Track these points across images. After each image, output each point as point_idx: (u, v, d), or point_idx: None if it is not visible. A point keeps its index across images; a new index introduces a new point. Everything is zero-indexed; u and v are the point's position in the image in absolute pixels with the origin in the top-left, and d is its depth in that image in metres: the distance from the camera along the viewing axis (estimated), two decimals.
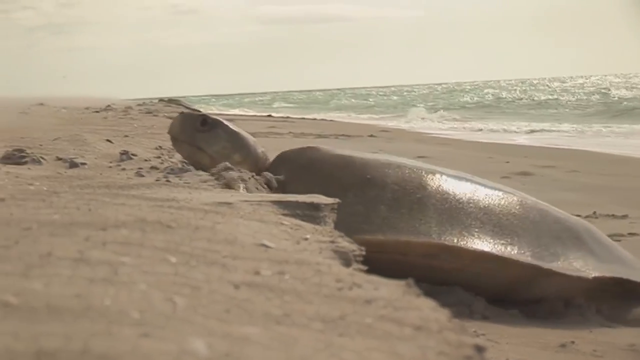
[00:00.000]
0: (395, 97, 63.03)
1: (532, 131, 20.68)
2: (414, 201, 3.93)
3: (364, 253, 2.16)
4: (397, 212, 3.88)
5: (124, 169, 4.33)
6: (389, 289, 1.59)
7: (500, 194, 4.20)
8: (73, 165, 4.38)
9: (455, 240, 3.84)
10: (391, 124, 26.53)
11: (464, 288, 3.79)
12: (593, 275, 3.93)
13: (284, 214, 2.63)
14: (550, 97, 44.74)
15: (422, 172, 4.12)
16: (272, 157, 4.43)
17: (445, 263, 3.83)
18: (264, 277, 1.61)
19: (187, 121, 4.44)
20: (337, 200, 2.98)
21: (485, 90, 63.08)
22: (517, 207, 4.15)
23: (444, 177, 4.14)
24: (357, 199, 3.91)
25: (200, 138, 4.33)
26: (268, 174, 4.08)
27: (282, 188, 3.99)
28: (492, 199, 4.11)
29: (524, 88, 63.61)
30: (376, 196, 3.93)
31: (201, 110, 21.75)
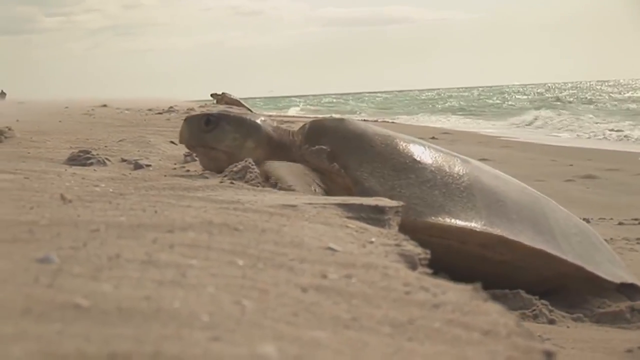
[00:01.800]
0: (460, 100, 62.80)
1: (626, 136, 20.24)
2: (462, 189, 3.95)
3: (429, 256, 2.14)
4: (450, 199, 3.88)
5: (188, 171, 4.36)
6: (456, 293, 1.58)
7: (532, 193, 4.32)
8: (138, 166, 4.42)
9: (512, 235, 3.86)
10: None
11: (503, 279, 3.81)
12: (620, 281, 4.07)
13: (348, 217, 2.62)
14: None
15: (456, 159, 4.16)
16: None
17: (498, 255, 3.86)
18: (332, 280, 1.60)
19: (192, 125, 4.39)
20: (402, 203, 2.97)
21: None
22: (550, 210, 4.26)
23: (475, 164, 4.22)
24: (412, 182, 3.90)
25: (209, 138, 4.30)
26: (314, 149, 4.06)
27: (331, 158, 3.98)
28: (526, 197, 4.21)
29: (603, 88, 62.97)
30: (429, 180, 3.92)
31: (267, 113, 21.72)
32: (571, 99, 47.97)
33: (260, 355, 1.09)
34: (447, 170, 4.00)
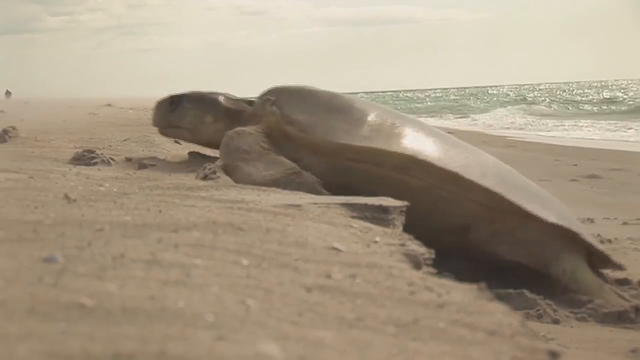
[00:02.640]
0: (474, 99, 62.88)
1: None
2: (393, 129, 4.04)
3: (433, 256, 2.14)
4: (377, 133, 3.99)
5: (192, 170, 4.36)
6: (460, 293, 1.58)
7: (474, 149, 4.36)
8: (142, 166, 4.41)
9: (426, 156, 3.91)
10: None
11: (431, 213, 3.83)
12: (551, 220, 3.94)
13: (352, 217, 2.62)
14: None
15: (402, 114, 4.36)
16: None
17: (414, 179, 3.88)
18: (336, 280, 1.60)
19: (160, 108, 4.75)
20: (406, 203, 2.98)
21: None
22: (486, 157, 4.30)
23: (421, 122, 4.41)
24: (342, 118, 4.06)
25: (173, 117, 4.65)
26: (260, 100, 4.35)
27: (279, 108, 4.18)
28: (465, 148, 4.27)
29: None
30: (359, 119, 4.05)
31: None
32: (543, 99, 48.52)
33: (264, 355, 1.09)
34: (383, 116, 4.13)
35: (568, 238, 4.02)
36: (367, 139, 3.93)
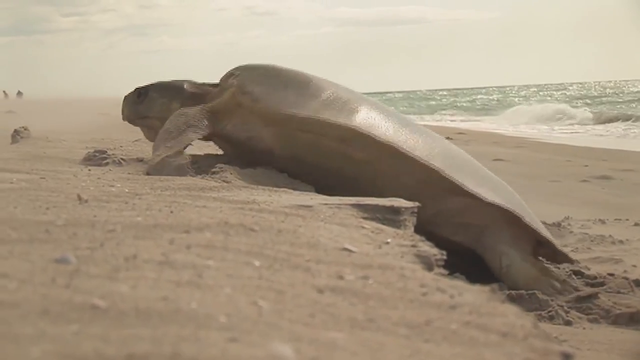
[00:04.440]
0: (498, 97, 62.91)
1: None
2: (345, 105, 4.07)
3: (445, 257, 2.14)
4: (326, 107, 4.03)
5: (203, 171, 4.36)
6: (473, 295, 1.57)
7: (430, 132, 4.33)
8: None
9: (369, 129, 3.93)
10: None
11: (370, 186, 3.78)
12: (490, 200, 3.94)
13: (363, 218, 2.62)
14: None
15: (360, 95, 4.32)
16: None
17: (357, 152, 3.91)
18: (348, 281, 1.60)
19: (128, 101, 4.76)
20: (417, 204, 2.98)
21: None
22: (436, 139, 4.27)
23: (378, 104, 4.34)
24: (295, 92, 4.11)
25: (142, 109, 4.67)
26: (224, 75, 4.40)
27: (236, 82, 4.24)
28: (413, 126, 4.28)
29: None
30: (314, 94, 4.10)
31: None
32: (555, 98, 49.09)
33: (277, 356, 1.09)
34: (337, 93, 4.15)
35: (511, 222, 4.01)
36: (315, 110, 3.99)
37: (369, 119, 4.02)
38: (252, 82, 4.19)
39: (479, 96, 69.99)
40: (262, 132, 4.07)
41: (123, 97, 4.82)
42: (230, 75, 4.36)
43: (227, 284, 1.46)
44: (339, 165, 3.84)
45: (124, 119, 4.83)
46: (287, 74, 4.28)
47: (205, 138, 4.22)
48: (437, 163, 3.93)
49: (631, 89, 60.88)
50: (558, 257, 4.17)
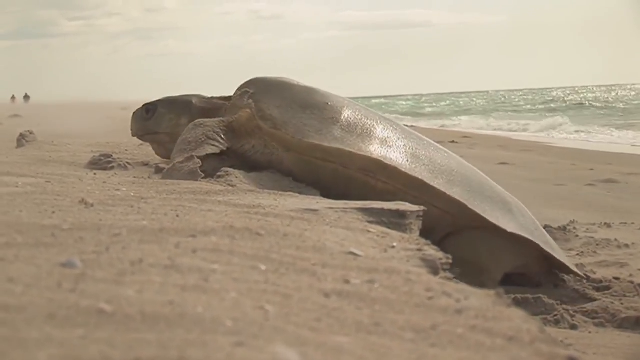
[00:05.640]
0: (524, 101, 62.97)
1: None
2: (364, 130, 4.10)
3: (450, 261, 2.13)
4: (348, 134, 4.05)
5: (208, 175, 4.36)
6: (479, 299, 1.57)
7: (440, 148, 4.39)
8: (159, 170, 4.42)
9: (392, 161, 3.97)
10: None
11: None
12: (510, 230, 4.01)
13: (369, 222, 2.62)
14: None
15: (374, 114, 4.34)
16: None
17: (380, 182, 3.95)
18: (354, 285, 1.60)
19: (137, 117, 4.77)
20: (423, 208, 2.98)
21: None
22: (456, 162, 4.33)
23: (393, 123, 4.37)
24: (314, 117, 4.11)
25: (151, 124, 4.68)
26: (239, 93, 4.37)
27: (253, 105, 4.22)
28: (432, 148, 4.31)
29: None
30: (332, 119, 4.11)
31: None
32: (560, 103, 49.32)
33: None
34: (354, 116, 4.17)
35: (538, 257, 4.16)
36: (337, 139, 3.99)
37: (390, 148, 4.04)
38: (269, 105, 4.17)
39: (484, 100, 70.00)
40: (282, 156, 4.07)
41: (132, 114, 4.82)
42: (244, 92, 4.33)
43: (233, 288, 1.46)
44: (361, 193, 3.79)
45: (133, 135, 4.83)
46: (302, 93, 4.27)
47: (222, 152, 4.19)
48: (460, 193, 4.00)
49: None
50: (563, 269, 4.22)
